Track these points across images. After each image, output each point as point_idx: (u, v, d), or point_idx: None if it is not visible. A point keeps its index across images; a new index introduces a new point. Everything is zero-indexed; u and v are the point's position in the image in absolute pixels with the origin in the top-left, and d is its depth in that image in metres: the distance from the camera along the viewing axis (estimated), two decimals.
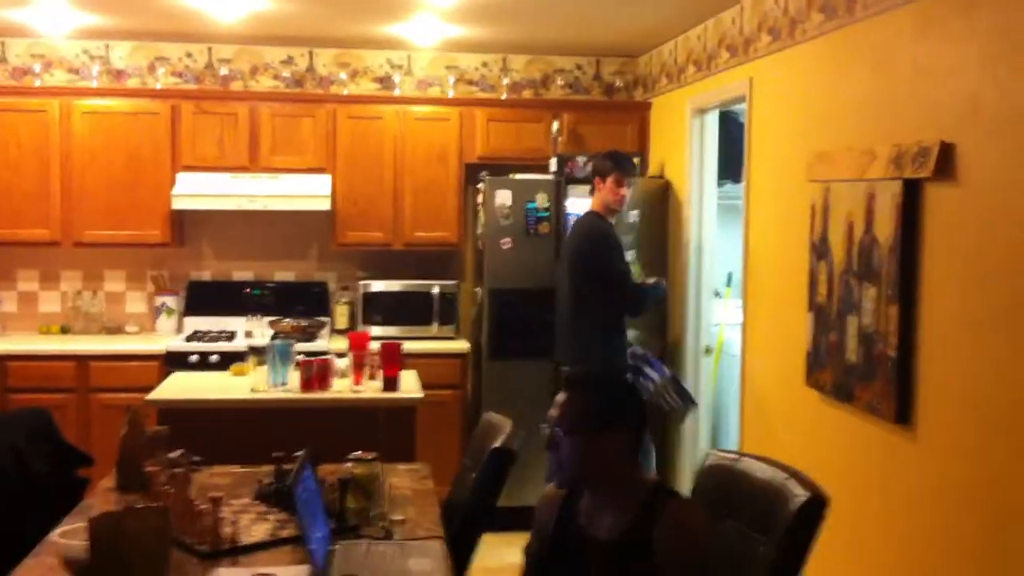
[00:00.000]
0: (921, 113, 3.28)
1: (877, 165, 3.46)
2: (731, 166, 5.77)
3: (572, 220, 5.62)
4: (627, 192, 5.09)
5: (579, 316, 5.02)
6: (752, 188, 4.81)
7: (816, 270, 3.95)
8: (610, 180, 5.02)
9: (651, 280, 5.22)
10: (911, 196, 3.26)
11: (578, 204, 5.69)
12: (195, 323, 6.19)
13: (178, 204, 5.92)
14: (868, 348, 3.50)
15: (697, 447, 5.55)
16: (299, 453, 2.79)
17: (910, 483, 3.31)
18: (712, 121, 5.65)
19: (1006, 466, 2.81)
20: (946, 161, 3.08)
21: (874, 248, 3.47)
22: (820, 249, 3.91)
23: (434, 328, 6.17)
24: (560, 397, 2.45)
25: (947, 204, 3.12)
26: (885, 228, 3.38)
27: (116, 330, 6.26)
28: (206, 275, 6.43)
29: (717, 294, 5.88)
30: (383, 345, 4.56)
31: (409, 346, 5.52)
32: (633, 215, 5.75)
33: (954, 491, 3.06)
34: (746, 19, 4.85)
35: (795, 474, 2.53)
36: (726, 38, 5.12)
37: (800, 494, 2.44)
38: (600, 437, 2.39)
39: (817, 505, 2.42)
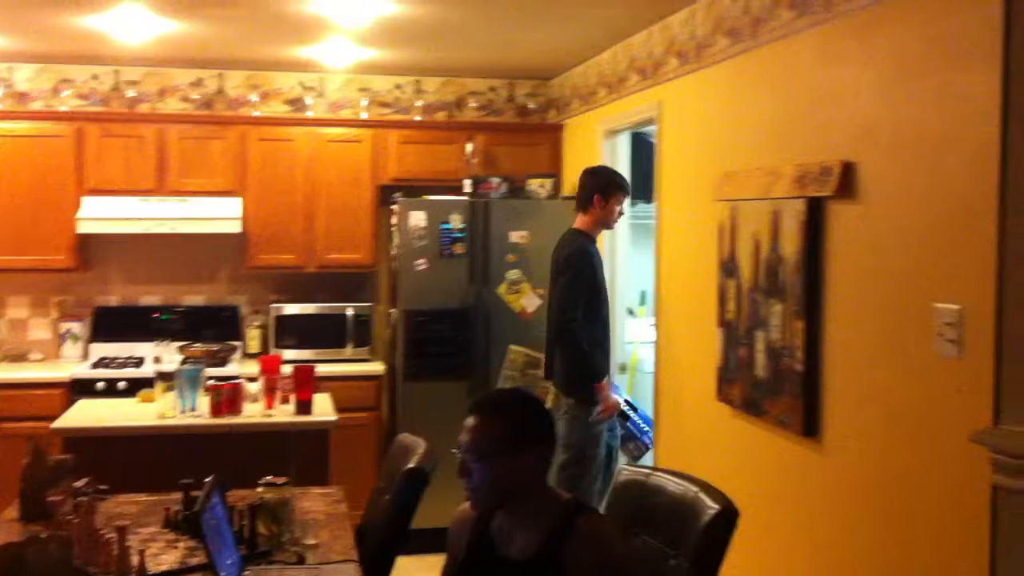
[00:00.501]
0: (823, 134, 3.36)
1: (782, 184, 3.54)
2: (643, 186, 5.85)
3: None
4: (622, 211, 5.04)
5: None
6: (663, 208, 4.88)
7: (725, 287, 4.02)
8: (613, 200, 4.89)
9: None
10: (814, 214, 3.34)
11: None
12: (102, 349, 6.05)
13: (84, 228, 5.79)
14: (776, 363, 3.57)
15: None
16: (208, 480, 2.73)
17: (818, 494, 3.38)
18: (623, 142, 5.72)
19: (905, 474, 2.88)
20: (847, 180, 3.16)
21: (780, 265, 3.54)
22: (729, 267, 3.98)
23: (348, 351, 6.12)
24: (469, 421, 2.42)
25: (848, 221, 3.20)
26: (790, 245, 3.46)
27: (19, 358, 6.08)
28: (113, 300, 6.30)
29: (631, 312, 5.94)
30: (296, 368, 4.51)
31: (323, 369, 5.47)
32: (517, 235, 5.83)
33: (858, 500, 3.13)
34: (655, 43, 4.93)
35: (706, 487, 2.57)
36: (636, 61, 5.20)
37: (711, 507, 2.47)
38: (514, 458, 2.37)
39: (728, 517, 2.45)
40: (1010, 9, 2.19)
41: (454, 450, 2.42)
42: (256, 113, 6.33)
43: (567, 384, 4.81)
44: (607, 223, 4.99)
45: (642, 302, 6.05)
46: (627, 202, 5.08)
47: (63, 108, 6.14)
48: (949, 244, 2.71)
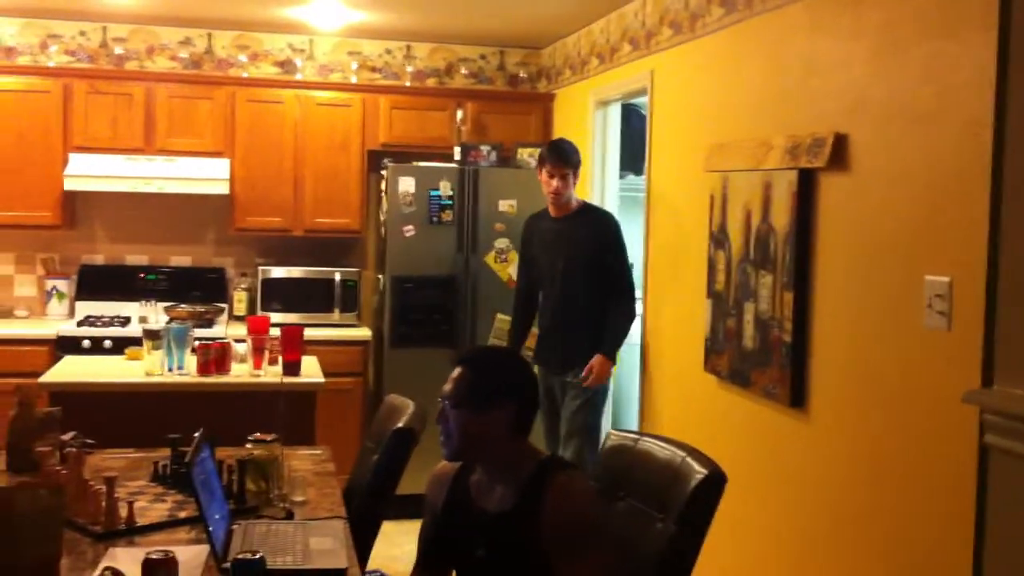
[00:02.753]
0: (815, 105, 3.37)
1: (773, 155, 3.55)
2: (633, 158, 5.86)
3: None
4: (558, 184, 4.70)
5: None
6: (653, 179, 4.89)
7: (715, 259, 4.04)
8: (543, 170, 4.77)
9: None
10: (806, 185, 3.36)
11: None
12: (87, 308, 6.02)
13: (70, 185, 5.75)
14: (764, 334, 3.60)
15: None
16: (197, 434, 2.74)
17: (804, 464, 3.41)
18: (614, 113, 5.72)
19: (892, 444, 2.91)
20: (839, 151, 3.18)
21: (770, 236, 3.56)
22: (718, 238, 3.99)
23: (335, 315, 6.12)
24: (455, 372, 2.49)
25: (839, 193, 3.22)
26: (781, 217, 3.48)
27: (5, 314, 6.06)
28: (99, 259, 6.27)
29: None
30: (284, 329, 4.51)
31: (310, 333, 5.45)
32: (505, 204, 5.84)
33: (845, 469, 3.17)
34: (648, 12, 4.92)
35: (693, 452, 2.58)
36: (628, 31, 5.19)
37: (699, 471, 2.49)
38: (486, 411, 2.43)
39: (715, 481, 2.47)
40: None
41: (439, 398, 2.49)
42: (245, 74, 6.29)
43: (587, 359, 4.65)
44: (547, 197, 4.83)
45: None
46: (547, 172, 4.75)
47: (50, 64, 6.08)
48: (940, 216, 2.73)
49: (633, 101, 5.58)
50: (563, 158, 4.74)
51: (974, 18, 2.58)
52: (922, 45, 2.81)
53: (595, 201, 5.68)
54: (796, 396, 3.41)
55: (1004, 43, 2.46)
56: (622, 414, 5.81)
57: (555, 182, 4.72)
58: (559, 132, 6.34)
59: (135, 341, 4.72)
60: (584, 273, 4.71)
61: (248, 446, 3.04)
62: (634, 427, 5.09)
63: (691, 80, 4.46)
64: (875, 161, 3.04)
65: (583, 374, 4.60)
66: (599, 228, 4.77)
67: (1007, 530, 1.43)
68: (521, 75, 6.71)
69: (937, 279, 2.70)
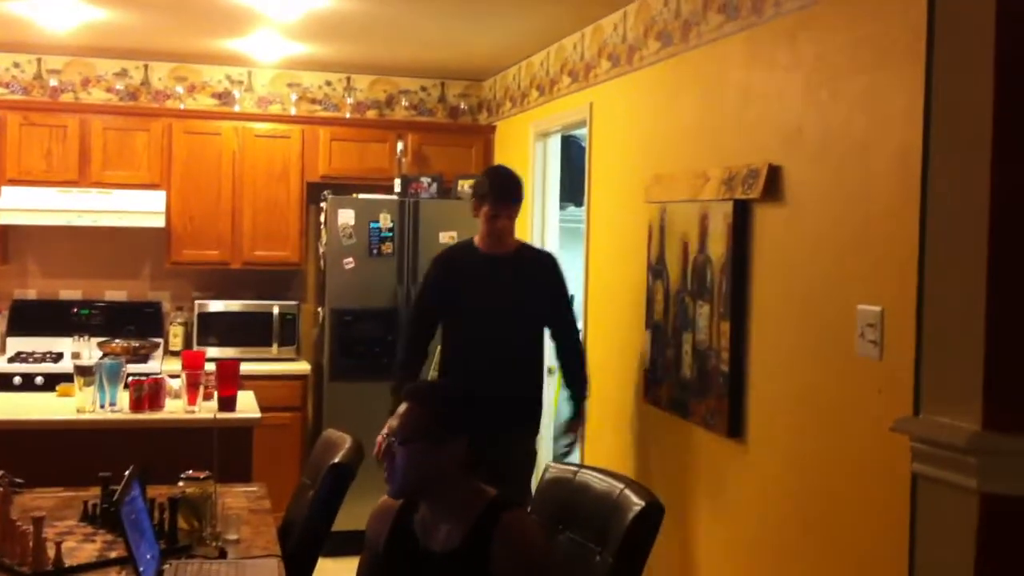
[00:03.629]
0: (751, 137, 3.41)
1: (710, 187, 3.58)
2: (573, 189, 5.88)
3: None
4: (504, 224, 4.22)
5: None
6: (593, 210, 4.91)
7: (653, 289, 4.05)
8: (484, 207, 4.22)
9: None
10: (741, 216, 3.38)
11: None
12: (19, 344, 5.88)
13: (3, 219, 5.64)
14: (702, 364, 3.61)
15: (539, 463, 5.58)
16: (127, 472, 2.67)
17: (743, 493, 3.42)
18: (554, 145, 5.74)
19: (828, 472, 2.93)
20: (773, 182, 3.21)
21: (707, 267, 3.58)
22: (657, 269, 4.01)
23: (274, 349, 6.05)
24: (402, 407, 2.44)
25: (774, 223, 3.25)
26: (718, 247, 3.50)
27: None
28: (31, 293, 6.14)
29: None
30: (219, 364, 4.44)
31: (248, 368, 5.38)
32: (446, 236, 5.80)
33: (782, 499, 3.17)
34: (587, 45, 4.96)
35: (631, 484, 2.58)
36: (568, 63, 5.22)
37: (636, 503, 2.48)
38: (435, 447, 2.38)
39: (653, 513, 2.47)
40: (933, 12, 2.24)
41: (385, 435, 2.44)
42: (182, 106, 6.23)
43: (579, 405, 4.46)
44: (484, 237, 4.30)
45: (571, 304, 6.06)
46: (488, 210, 4.22)
47: None
48: (872, 246, 2.76)
49: (573, 133, 5.61)
50: (509, 196, 4.21)
51: (905, 51, 2.62)
52: (856, 77, 2.86)
53: (536, 231, 5.69)
54: (734, 426, 3.42)
55: (929, 76, 2.51)
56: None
57: (499, 222, 4.19)
58: (500, 164, 6.34)
59: (67, 377, 4.62)
60: (532, 318, 4.31)
61: (180, 484, 2.98)
62: (575, 458, 5.07)
63: (629, 112, 4.50)
64: (809, 192, 3.08)
65: (571, 437, 4.54)
66: (546, 269, 4.37)
67: (936, 556, 1.44)
68: (462, 107, 6.72)
69: (869, 308, 2.72)
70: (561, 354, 4.44)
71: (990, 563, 1.32)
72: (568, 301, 4.50)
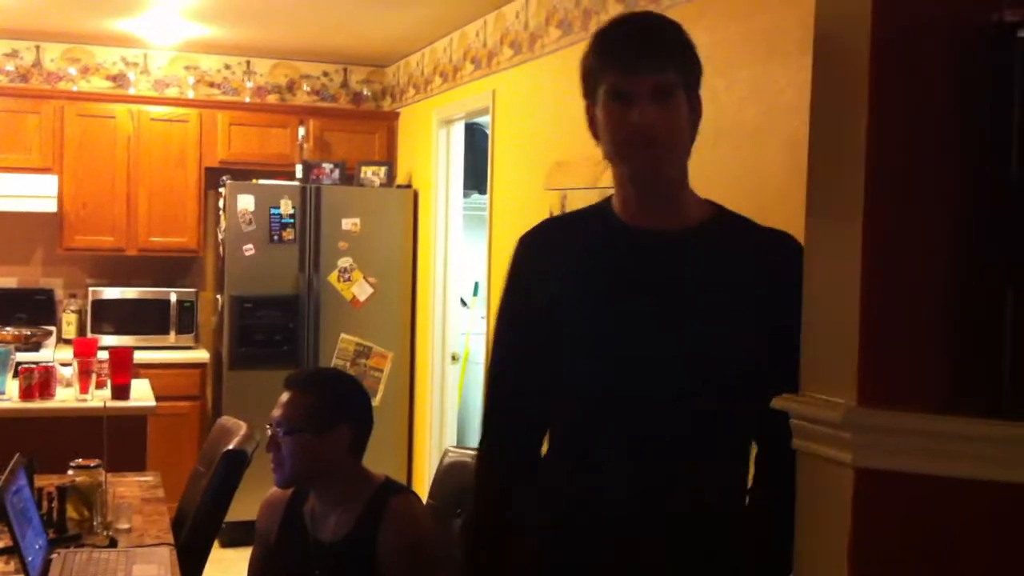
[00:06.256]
0: None
1: (608, 174, 3.61)
2: (478, 177, 5.88)
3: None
4: (649, 114, 1.69)
5: None
6: (495, 198, 4.92)
7: None
8: (599, 93, 1.79)
9: None
10: None
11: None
12: None
13: None
14: None
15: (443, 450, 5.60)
16: (13, 461, 2.60)
17: None
18: (458, 132, 5.74)
19: None
20: None
21: None
22: None
23: (172, 337, 5.93)
24: (284, 396, 2.41)
25: None
26: None
27: None
28: None
29: (464, 303, 5.96)
30: (112, 352, 4.34)
31: (145, 356, 5.29)
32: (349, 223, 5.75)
33: None
34: (489, 32, 4.96)
35: None
36: (471, 50, 5.22)
37: None
38: (324, 434, 2.36)
39: None
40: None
41: (267, 425, 2.40)
42: (75, 88, 6.06)
43: None
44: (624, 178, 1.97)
45: (475, 292, 6.09)
46: (609, 92, 1.82)
47: None
48: None
49: (477, 120, 5.61)
50: (651, 48, 1.77)
51: (796, 41, 2.69)
52: (749, 67, 2.91)
53: (439, 218, 5.67)
54: None
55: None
56: (467, 431, 5.81)
57: (640, 111, 1.71)
58: (404, 150, 6.33)
59: None
60: (727, 375, 1.74)
61: (70, 472, 2.91)
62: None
63: (531, 99, 4.52)
64: (705, 179, 3.12)
65: None
66: (771, 266, 1.79)
67: (814, 530, 1.48)
68: (365, 93, 6.67)
69: None
70: (768, 469, 1.79)
71: (864, 536, 1.37)
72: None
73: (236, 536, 4.22)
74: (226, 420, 3.44)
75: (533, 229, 1.91)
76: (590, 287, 1.75)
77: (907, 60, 1.41)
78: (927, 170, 1.41)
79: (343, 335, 5.78)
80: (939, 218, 1.41)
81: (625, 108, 1.66)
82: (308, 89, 6.53)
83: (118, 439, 4.05)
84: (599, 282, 1.75)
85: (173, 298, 5.94)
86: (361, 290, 5.86)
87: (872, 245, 1.39)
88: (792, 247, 1.70)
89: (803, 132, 2.61)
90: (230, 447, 3.12)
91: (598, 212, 1.86)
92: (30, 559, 2.33)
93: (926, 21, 1.41)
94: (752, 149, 2.88)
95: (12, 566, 2.52)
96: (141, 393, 4.41)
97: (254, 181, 5.81)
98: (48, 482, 2.94)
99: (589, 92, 1.76)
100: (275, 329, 5.74)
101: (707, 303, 1.70)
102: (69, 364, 4.36)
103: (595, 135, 1.79)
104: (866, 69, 1.40)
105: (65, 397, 4.22)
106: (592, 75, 1.74)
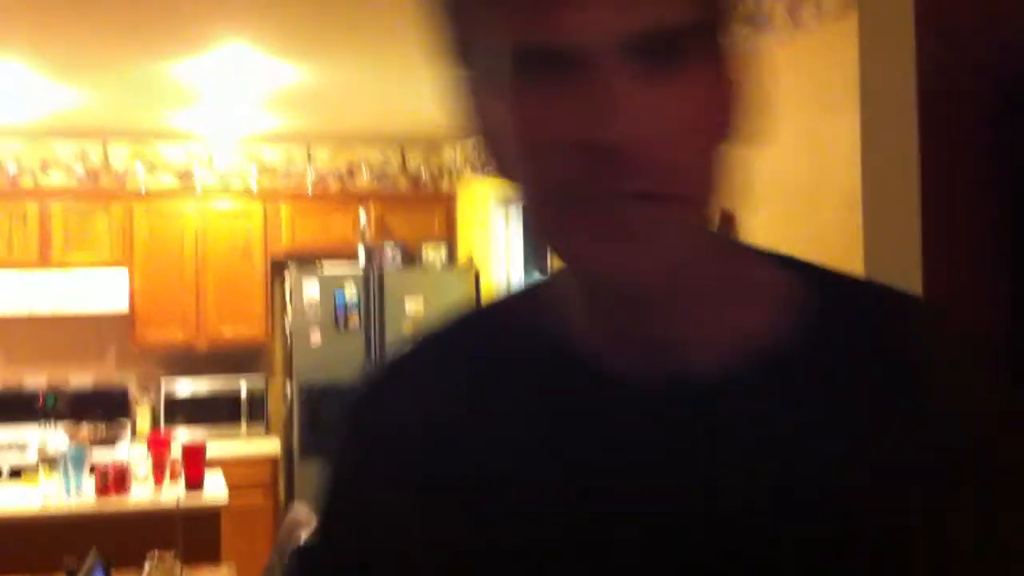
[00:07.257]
0: None
1: None
2: (538, 256, 5.87)
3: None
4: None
5: None
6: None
7: None
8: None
9: None
10: None
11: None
12: None
13: None
14: None
15: None
16: (88, 557, 2.62)
17: None
18: (517, 210, 5.75)
19: None
20: (727, 229, 3.22)
21: None
22: None
23: (242, 428, 5.97)
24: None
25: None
26: None
27: None
28: None
29: None
30: (185, 449, 4.39)
31: (216, 447, 5.33)
32: (411, 304, 5.76)
33: None
34: None
35: None
36: None
37: None
38: None
39: None
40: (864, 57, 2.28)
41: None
42: (143, 185, 6.20)
43: None
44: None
45: None
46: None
47: None
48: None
49: None
50: None
51: (847, 96, 2.66)
52: (800, 121, 2.88)
53: None
54: None
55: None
56: None
57: (599, 97, 0.62)
58: (463, 230, 6.36)
59: (34, 467, 4.55)
60: None
61: (146, 566, 2.92)
62: None
63: None
64: (761, 239, 3.09)
65: None
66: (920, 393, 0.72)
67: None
68: (423, 173, 6.72)
69: None
70: None
71: None
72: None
73: None
74: (298, 510, 3.43)
75: (383, 374, 0.87)
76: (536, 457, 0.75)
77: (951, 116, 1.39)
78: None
79: None
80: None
81: (564, 90, 0.64)
82: (368, 173, 6.60)
83: (192, 533, 4.09)
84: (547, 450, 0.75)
85: (243, 388, 5.99)
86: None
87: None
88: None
89: (857, 189, 2.58)
90: (300, 544, 3.10)
91: (531, 340, 0.79)
92: None
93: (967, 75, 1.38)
94: (805, 206, 2.84)
95: None
96: (214, 487, 4.44)
97: (317, 266, 5.86)
98: None
99: (460, 66, 0.74)
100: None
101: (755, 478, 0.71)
102: (144, 459, 4.42)
103: (487, 152, 0.75)
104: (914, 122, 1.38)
105: (140, 493, 4.26)
106: (465, 27, 0.71)
